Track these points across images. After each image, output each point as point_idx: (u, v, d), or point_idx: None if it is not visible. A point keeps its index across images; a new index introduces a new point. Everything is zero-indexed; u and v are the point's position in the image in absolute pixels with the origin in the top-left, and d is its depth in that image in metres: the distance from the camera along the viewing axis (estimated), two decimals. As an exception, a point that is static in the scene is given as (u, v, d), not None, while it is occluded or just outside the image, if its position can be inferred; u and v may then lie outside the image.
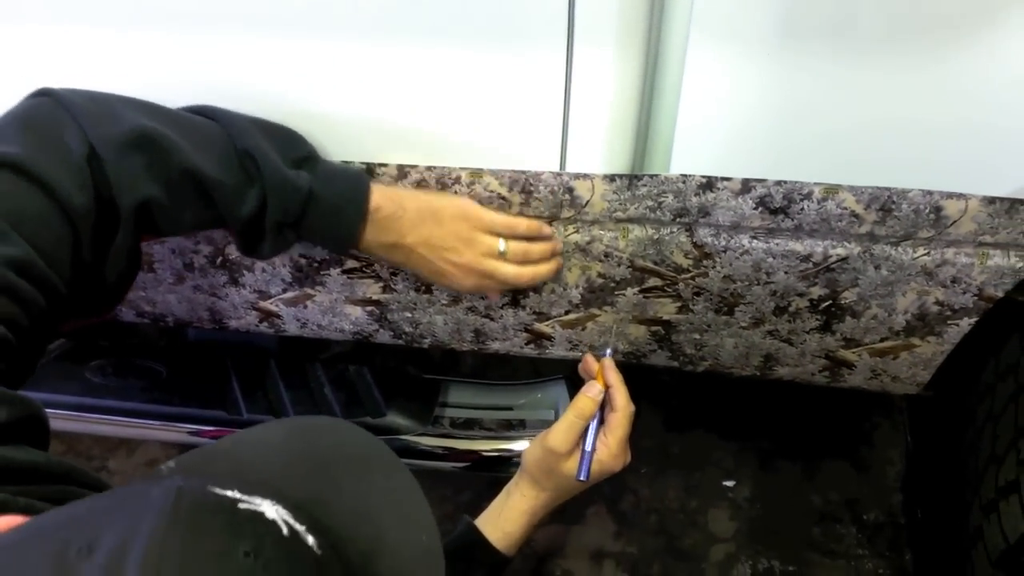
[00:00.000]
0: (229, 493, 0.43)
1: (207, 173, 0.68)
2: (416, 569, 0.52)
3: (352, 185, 0.76)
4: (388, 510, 0.52)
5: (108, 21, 0.76)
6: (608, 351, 0.90)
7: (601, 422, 0.85)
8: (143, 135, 0.66)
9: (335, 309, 0.99)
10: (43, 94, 0.67)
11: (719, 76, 0.71)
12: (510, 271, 0.81)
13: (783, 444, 1.48)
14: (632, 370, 1.02)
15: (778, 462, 1.46)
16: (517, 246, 0.81)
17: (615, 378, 0.86)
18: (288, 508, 0.44)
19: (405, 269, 0.80)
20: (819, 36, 0.67)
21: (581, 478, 0.82)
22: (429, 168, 0.81)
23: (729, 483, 1.43)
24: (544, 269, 0.84)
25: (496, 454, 1.17)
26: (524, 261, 0.82)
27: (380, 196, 0.76)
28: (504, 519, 0.87)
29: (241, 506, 0.43)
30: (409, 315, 0.98)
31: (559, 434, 0.83)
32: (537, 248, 0.83)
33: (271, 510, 0.43)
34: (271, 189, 0.71)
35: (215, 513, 0.42)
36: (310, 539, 0.43)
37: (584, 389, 0.85)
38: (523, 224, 0.82)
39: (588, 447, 0.83)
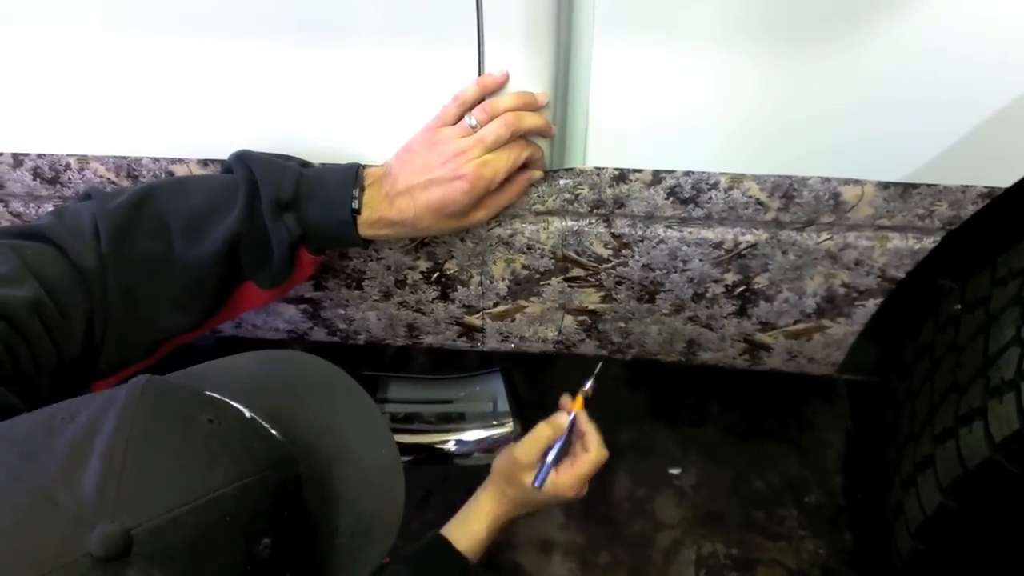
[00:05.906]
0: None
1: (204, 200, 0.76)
2: (377, 476, 0.60)
3: (342, 166, 0.79)
4: (351, 426, 0.61)
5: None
6: (589, 383, 0.97)
7: (568, 446, 0.95)
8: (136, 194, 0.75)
9: (269, 308, 1.00)
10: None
11: (627, 71, 0.74)
12: (488, 131, 0.75)
13: (728, 431, 1.51)
14: (573, 360, 1.05)
15: (723, 449, 1.49)
16: (483, 114, 0.76)
17: (589, 426, 0.95)
18: (256, 412, 0.52)
19: (420, 226, 0.78)
20: (719, 32, 0.70)
21: (535, 484, 0.92)
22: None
23: (675, 471, 1.46)
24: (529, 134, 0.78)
25: (442, 446, 1.20)
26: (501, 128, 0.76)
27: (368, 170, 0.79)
28: (470, 518, 0.95)
29: (207, 393, 0.52)
30: (342, 312, 1.00)
31: (525, 446, 0.93)
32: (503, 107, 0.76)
33: (237, 404, 0.52)
34: (261, 174, 0.75)
35: (180, 393, 0.51)
36: (273, 430, 0.52)
37: (557, 414, 0.96)
38: (471, 91, 0.76)
39: (550, 459, 0.93)
